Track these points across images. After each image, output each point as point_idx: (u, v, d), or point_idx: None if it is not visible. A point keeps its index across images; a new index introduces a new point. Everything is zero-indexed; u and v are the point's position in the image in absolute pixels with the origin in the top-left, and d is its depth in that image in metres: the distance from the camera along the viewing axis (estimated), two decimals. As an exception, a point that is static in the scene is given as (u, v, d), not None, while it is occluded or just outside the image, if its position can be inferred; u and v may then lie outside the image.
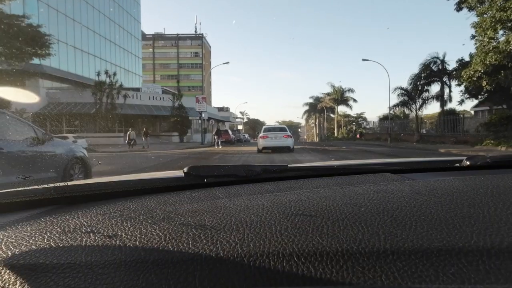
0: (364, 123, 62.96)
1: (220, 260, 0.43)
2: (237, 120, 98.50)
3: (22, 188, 0.74)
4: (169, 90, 35.97)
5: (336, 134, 52.66)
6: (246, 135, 53.64)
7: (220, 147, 20.81)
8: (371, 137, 35.85)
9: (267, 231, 0.48)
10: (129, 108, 29.52)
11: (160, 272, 0.42)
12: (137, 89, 33.26)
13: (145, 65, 71.85)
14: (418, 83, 26.64)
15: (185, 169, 0.81)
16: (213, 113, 43.72)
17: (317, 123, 71.03)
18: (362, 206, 0.55)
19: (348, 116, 58.74)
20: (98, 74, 26.27)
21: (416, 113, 28.20)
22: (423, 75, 26.46)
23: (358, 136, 39.45)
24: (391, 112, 31.34)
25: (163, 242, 0.48)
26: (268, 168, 0.87)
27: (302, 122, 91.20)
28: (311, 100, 68.58)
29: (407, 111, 30.92)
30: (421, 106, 27.82)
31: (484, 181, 0.67)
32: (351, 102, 51.85)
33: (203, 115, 26.78)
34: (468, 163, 0.95)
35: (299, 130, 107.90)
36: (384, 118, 37.76)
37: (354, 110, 54.02)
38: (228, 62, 37.25)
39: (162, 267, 0.43)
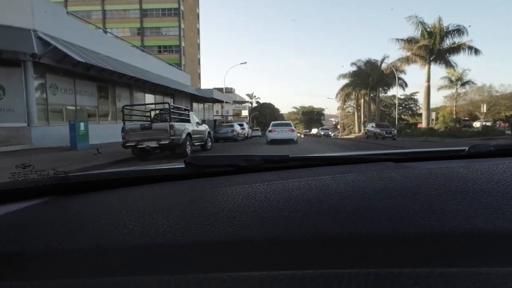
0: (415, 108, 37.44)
1: (222, 246, 0.44)
2: (243, 105, 73.86)
3: (23, 178, 0.75)
4: None
5: (425, 124, 26.39)
6: (244, 126, 25.63)
7: None
8: None
9: (268, 217, 0.49)
10: None
11: (162, 258, 0.43)
12: None
13: (90, 13, 47.26)
14: None
15: (186, 159, 0.83)
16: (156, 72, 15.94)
17: (362, 106, 44.60)
18: (365, 193, 0.55)
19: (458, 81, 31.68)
20: None
21: None
22: None
23: None
24: None
25: (166, 228, 0.48)
26: (269, 158, 0.88)
27: (333, 106, 65.09)
28: (354, 68, 42.08)
29: None
30: None
31: (488, 168, 0.66)
32: (460, 56, 25.95)
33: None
34: (471, 151, 0.95)
35: (323, 119, 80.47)
36: None
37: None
38: None
39: (165, 253, 0.44)
